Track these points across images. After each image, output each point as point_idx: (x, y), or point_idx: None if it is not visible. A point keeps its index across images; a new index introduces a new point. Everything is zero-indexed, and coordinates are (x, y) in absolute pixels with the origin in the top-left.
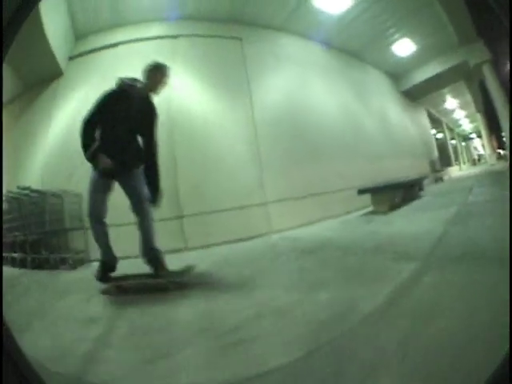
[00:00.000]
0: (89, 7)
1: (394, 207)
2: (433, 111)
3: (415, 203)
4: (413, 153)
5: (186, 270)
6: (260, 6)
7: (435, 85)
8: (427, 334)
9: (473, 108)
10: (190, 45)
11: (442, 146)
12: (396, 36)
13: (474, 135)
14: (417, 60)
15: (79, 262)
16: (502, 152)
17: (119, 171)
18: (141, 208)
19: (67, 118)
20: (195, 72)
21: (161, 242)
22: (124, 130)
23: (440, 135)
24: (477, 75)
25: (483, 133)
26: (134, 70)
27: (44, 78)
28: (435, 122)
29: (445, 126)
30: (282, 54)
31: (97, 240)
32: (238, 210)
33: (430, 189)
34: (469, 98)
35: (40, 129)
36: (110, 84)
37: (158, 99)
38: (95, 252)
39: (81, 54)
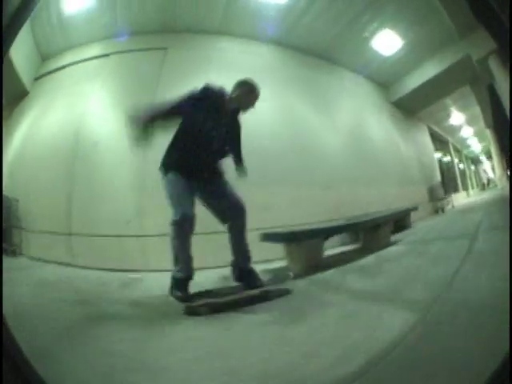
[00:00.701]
0: (47, 32)
1: (319, 266)
2: (436, 129)
3: (366, 262)
4: (404, 178)
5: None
6: (189, 12)
7: (435, 92)
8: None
9: (481, 123)
10: (119, 62)
11: (447, 169)
12: (373, 26)
13: (483, 157)
14: (407, 60)
15: (12, 253)
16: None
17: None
18: (239, 210)
19: (28, 132)
20: (114, 90)
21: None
22: (206, 146)
23: (446, 158)
24: (484, 75)
25: (493, 152)
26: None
27: (14, 97)
28: (440, 143)
29: (451, 147)
30: (217, 58)
31: (179, 251)
32: (114, 238)
33: (419, 226)
34: (477, 110)
35: (6, 142)
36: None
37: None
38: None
39: (44, 75)
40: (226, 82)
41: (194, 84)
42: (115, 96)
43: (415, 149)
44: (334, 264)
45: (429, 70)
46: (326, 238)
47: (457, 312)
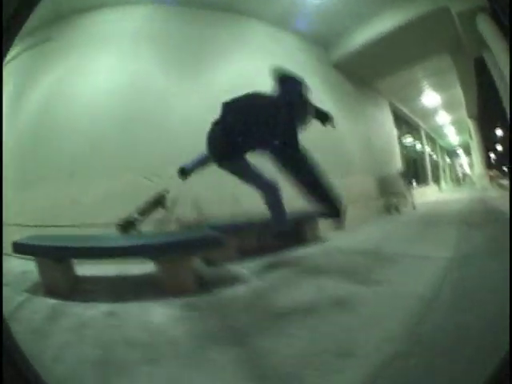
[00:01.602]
0: None
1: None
2: (403, 109)
3: None
4: (331, 166)
5: None
6: None
7: (397, 56)
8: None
9: (463, 111)
10: (21, 61)
11: (416, 158)
12: None
13: (460, 151)
14: (351, 8)
15: None
16: (492, 174)
17: None
18: None
19: None
20: (15, 89)
21: None
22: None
23: (415, 144)
24: (470, 42)
25: (473, 147)
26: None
27: None
28: (408, 126)
29: (423, 134)
30: (95, 34)
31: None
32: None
33: (324, 247)
34: (458, 92)
35: None
36: None
37: None
38: None
39: None
40: (104, 58)
41: (76, 68)
42: (13, 95)
43: (364, 128)
44: None
45: (385, 22)
46: None
47: None
